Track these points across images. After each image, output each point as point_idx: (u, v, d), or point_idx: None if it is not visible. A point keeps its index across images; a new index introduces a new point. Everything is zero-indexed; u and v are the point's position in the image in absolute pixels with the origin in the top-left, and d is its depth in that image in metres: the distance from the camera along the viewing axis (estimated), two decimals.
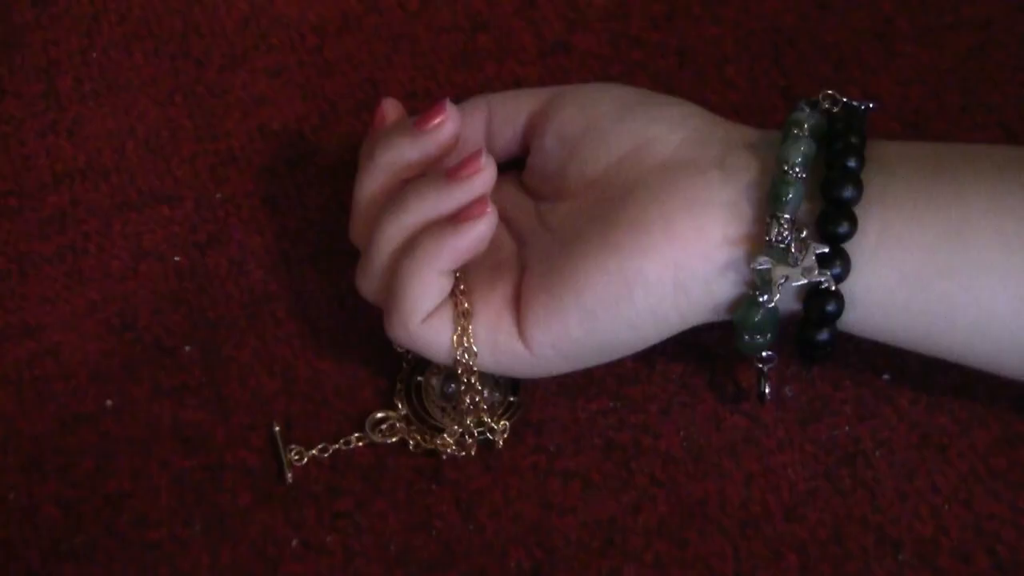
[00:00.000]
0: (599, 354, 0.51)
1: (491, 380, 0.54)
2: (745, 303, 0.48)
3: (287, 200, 0.60)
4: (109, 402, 0.55)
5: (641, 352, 0.51)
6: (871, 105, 0.50)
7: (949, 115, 0.59)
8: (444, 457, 0.53)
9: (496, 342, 0.50)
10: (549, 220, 0.53)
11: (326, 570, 0.51)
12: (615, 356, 0.51)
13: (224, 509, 0.53)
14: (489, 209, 0.49)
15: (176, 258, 0.59)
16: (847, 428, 0.53)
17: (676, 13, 0.63)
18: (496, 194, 0.53)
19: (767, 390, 0.51)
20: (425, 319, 0.50)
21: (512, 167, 0.56)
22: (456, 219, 0.50)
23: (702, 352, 0.55)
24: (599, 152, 0.51)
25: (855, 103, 0.50)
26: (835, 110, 0.50)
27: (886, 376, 0.54)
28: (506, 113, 0.55)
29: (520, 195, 0.55)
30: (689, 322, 0.50)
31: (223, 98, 0.63)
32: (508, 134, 0.55)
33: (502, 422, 0.53)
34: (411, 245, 0.50)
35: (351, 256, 0.54)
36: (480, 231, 0.50)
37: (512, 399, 0.54)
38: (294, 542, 0.52)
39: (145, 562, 0.52)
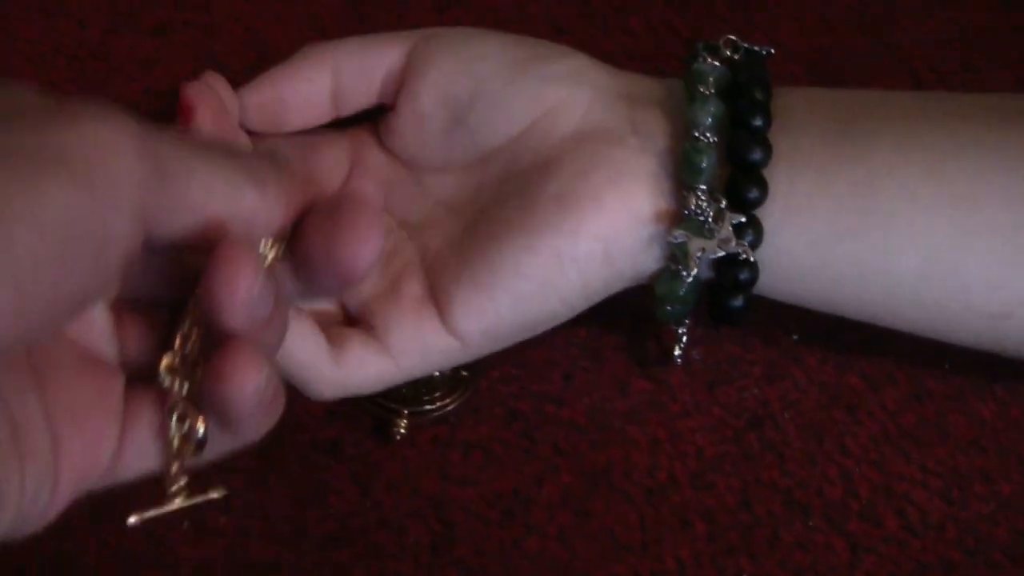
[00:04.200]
0: (531, 331, 0.49)
1: None
2: (667, 276, 0.46)
3: None
4: None
5: None
6: (771, 51, 0.48)
7: (856, 61, 0.58)
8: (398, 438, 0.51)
9: (424, 344, 0.47)
10: (442, 197, 0.50)
11: (219, 552, 0.50)
12: (545, 329, 0.49)
13: (110, 491, 0.51)
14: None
15: None
16: (755, 391, 0.52)
17: None
18: (365, 164, 0.51)
19: (679, 352, 0.50)
20: (340, 365, 0.47)
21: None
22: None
23: (606, 316, 0.53)
24: (496, 122, 0.48)
25: (756, 48, 0.48)
26: (736, 57, 0.48)
27: (794, 336, 0.52)
28: (358, 68, 0.50)
29: (393, 166, 0.51)
30: (613, 290, 0.48)
31: (107, 61, 0.60)
32: (361, 91, 0.50)
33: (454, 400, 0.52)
34: None
35: None
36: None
37: (464, 373, 0.52)
38: (185, 524, 0.50)
39: (26, 546, 0.50)
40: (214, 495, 0.42)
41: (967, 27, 0.58)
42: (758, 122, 0.45)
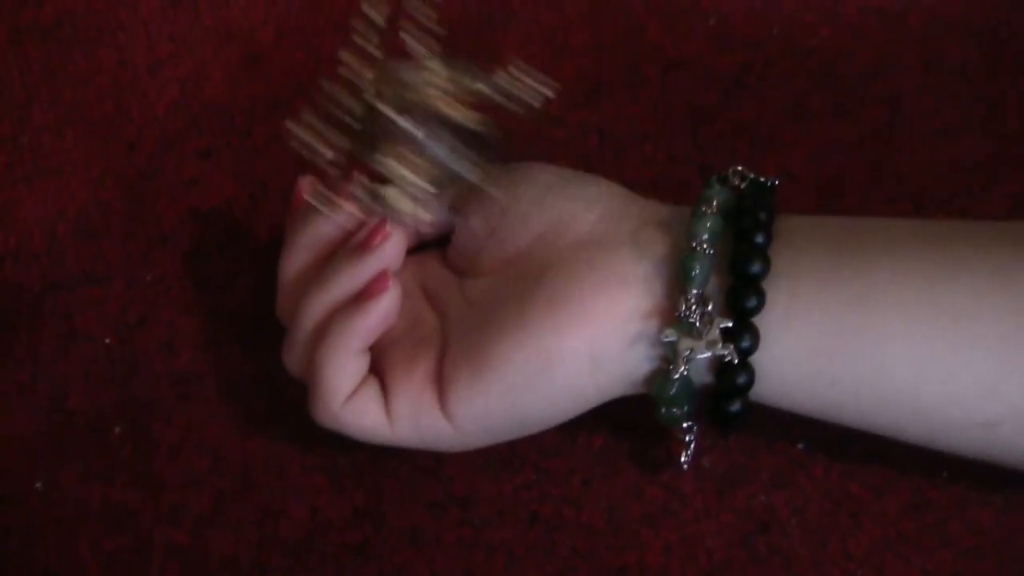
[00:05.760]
0: (521, 427, 0.52)
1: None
2: (660, 376, 0.49)
3: (216, 281, 0.61)
4: (39, 484, 0.56)
5: (562, 425, 0.52)
6: (776, 181, 0.52)
7: (861, 188, 0.61)
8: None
9: (419, 417, 0.51)
10: (469, 296, 0.54)
11: None
12: (536, 429, 0.52)
13: None
14: (391, 283, 0.51)
15: (107, 340, 0.60)
16: (763, 497, 0.54)
17: (597, 93, 0.65)
18: (419, 270, 0.55)
19: (687, 458, 0.53)
20: (347, 401, 0.51)
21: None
22: (361, 298, 0.51)
23: (622, 425, 0.56)
24: (518, 231, 0.52)
25: (762, 179, 0.52)
26: (743, 186, 0.52)
27: (800, 445, 0.55)
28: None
29: (443, 271, 0.56)
30: (606, 395, 0.51)
31: (154, 181, 0.64)
32: (436, 215, 0.55)
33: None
34: (324, 329, 0.51)
35: (278, 335, 0.54)
36: (384, 307, 0.51)
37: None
38: None
39: None
40: None
41: (965, 157, 0.61)
42: (759, 239, 0.49)
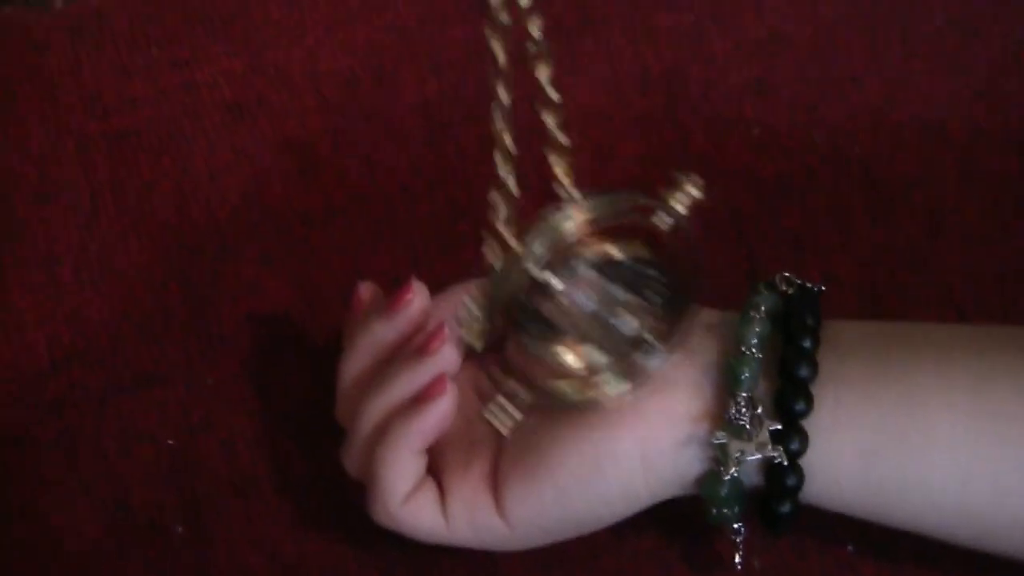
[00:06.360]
0: (575, 527, 0.53)
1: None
2: (710, 478, 0.50)
3: (274, 383, 0.63)
4: None
5: (612, 526, 0.53)
6: (823, 288, 0.53)
7: (903, 293, 0.62)
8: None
9: (474, 517, 0.52)
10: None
11: None
12: (590, 529, 0.53)
13: None
14: (448, 386, 0.52)
15: (169, 441, 0.61)
16: None
17: None
18: (474, 373, 0.56)
19: (739, 560, 0.53)
20: (406, 501, 0.52)
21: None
22: (419, 400, 0.52)
23: (672, 524, 0.56)
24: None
25: (809, 285, 0.53)
26: (791, 292, 0.53)
27: (850, 547, 0.55)
28: None
29: (496, 373, 0.57)
30: (658, 496, 0.52)
31: (215, 285, 0.66)
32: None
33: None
34: (383, 430, 0.53)
35: (336, 436, 0.56)
36: (442, 409, 0.52)
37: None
38: None
39: None
40: None
41: (1006, 265, 0.62)
42: (807, 343, 0.50)
